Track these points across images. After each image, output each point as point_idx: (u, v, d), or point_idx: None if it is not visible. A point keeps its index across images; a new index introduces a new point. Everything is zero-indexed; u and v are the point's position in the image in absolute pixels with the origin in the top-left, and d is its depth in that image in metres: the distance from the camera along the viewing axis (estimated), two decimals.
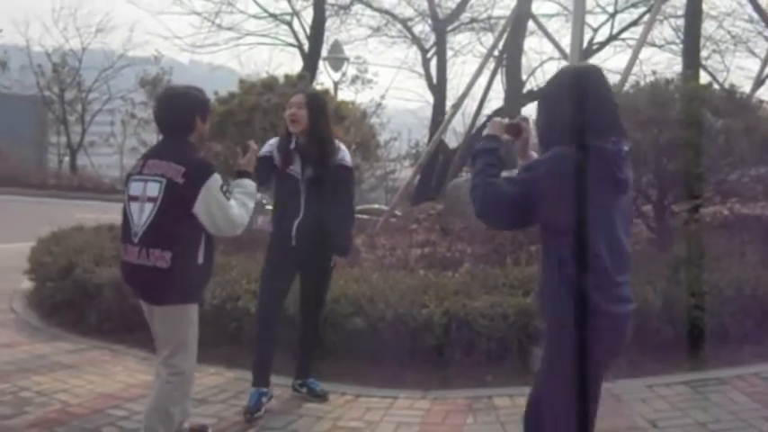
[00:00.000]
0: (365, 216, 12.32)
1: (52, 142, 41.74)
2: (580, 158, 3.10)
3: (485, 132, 3.63)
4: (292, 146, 5.42)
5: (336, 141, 5.57)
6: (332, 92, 17.62)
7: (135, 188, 4.29)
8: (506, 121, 3.64)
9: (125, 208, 4.34)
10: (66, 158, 39.53)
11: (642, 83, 9.29)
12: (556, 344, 3.26)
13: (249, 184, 4.55)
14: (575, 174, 3.08)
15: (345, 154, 5.56)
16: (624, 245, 3.24)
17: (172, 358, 4.33)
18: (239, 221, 4.33)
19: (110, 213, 13.75)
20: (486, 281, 6.82)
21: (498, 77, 15.94)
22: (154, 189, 4.19)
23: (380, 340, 6.10)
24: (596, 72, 3.36)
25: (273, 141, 5.55)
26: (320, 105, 5.58)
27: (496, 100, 20.56)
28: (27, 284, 9.51)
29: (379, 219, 11.17)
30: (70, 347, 7.23)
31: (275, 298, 5.48)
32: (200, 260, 4.26)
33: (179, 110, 4.38)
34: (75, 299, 8.00)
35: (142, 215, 4.19)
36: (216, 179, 4.22)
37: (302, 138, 5.41)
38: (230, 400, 5.62)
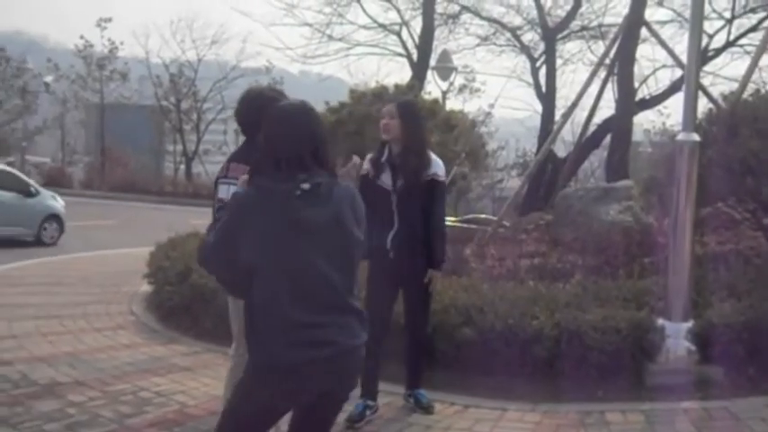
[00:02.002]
0: (472, 226, 12.27)
1: (169, 150, 43.21)
2: (249, 198, 3.02)
3: None
4: (384, 157, 5.41)
5: (429, 153, 5.51)
6: (440, 101, 17.67)
7: (222, 191, 4.34)
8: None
9: (214, 211, 4.41)
10: (182, 166, 40.85)
11: (763, 90, 8.96)
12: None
13: None
14: (241, 214, 3.00)
15: (439, 167, 5.49)
16: (324, 284, 3.01)
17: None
18: None
19: None
20: (599, 293, 6.70)
21: (609, 86, 15.58)
22: None
23: (490, 351, 6.06)
24: (280, 109, 3.21)
25: (369, 157, 5.54)
26: (413, 114, 5.55)
27: (607, 109, 20.12)
28: (146, 288, 9.87)
29: (486, 228, 11.10)
30: (186, 350, 7.47)
31: (380, 311, 5.43)
32: None
33: (251, 110, 4.43)
34: (192, 303, 8.25)
35: None
36: None
37: (395, 148, 5.40)
38: None
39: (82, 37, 40.26)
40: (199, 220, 16.10)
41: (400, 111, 5.40)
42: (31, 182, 18.70)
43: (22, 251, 14.80)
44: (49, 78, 41.03)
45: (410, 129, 5.38)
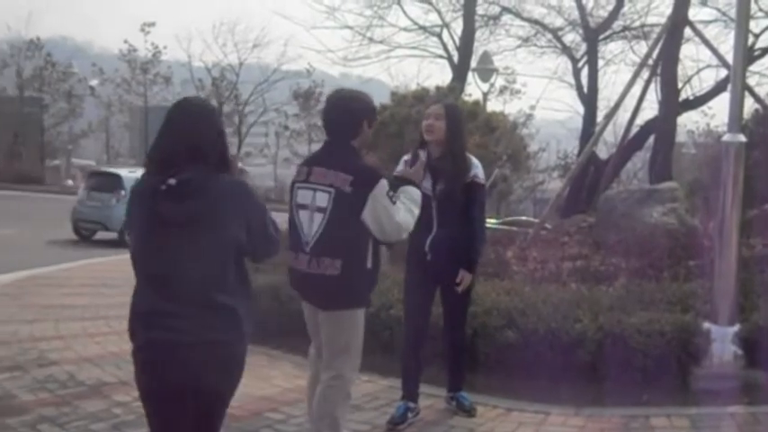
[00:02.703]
0: (513, 228, 12.21)
1: None
2: (132, 192, 3.29)
3: None
4: (423, 156, 5.31)
5: (469, 156, 5.45)
6: (481, 103, 17.63)
7: (303, 196, 4.34)
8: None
9: (292, 215, 4.40)
10: None
11: None
12: None
13: (414, 191, 4.51)
14: (128, 206, 3.28)
15: (479, 170, 5.42)
16: (182, 277, 3.07)
17: (334, 360, 4.38)
18: (405, 227, 4.31)
19: None
20: (643, 296, 6.64)
21: (652, 87, 15.41)
22: (323, 199, 4.24)
23: (532, 354, 6.03)
24: (171, 107, 3.32)
25: (406, 158, 5.39)
26: (458, 117, 5.50)
27: (650, 110, 19.89)
28: None
29: (527, 231, 11.05)
30: None
31: (418, 315, 5.47)
32: (369, 265, 4.30)
33: (350, 113, 4.40)
34: None
35: (312, 225, 4.25)
36: (383, 185, 4.23)
37: (436, 150, 5.32)
38: (383, 407, 5.69)
39: (126, 41, 40.84)
40: None
41: (447, 112, 5.34)
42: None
43: (66, 252, 15.07)
44: (94, 82, 41.67)
45: (454, 131, 5.32)
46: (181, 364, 3.06)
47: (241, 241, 3.14)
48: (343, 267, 4.19)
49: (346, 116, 4.40)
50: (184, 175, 3.04)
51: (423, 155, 4.74)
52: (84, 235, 18.11)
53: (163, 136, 3.19)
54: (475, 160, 5.48)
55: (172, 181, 3.03)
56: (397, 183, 4.53)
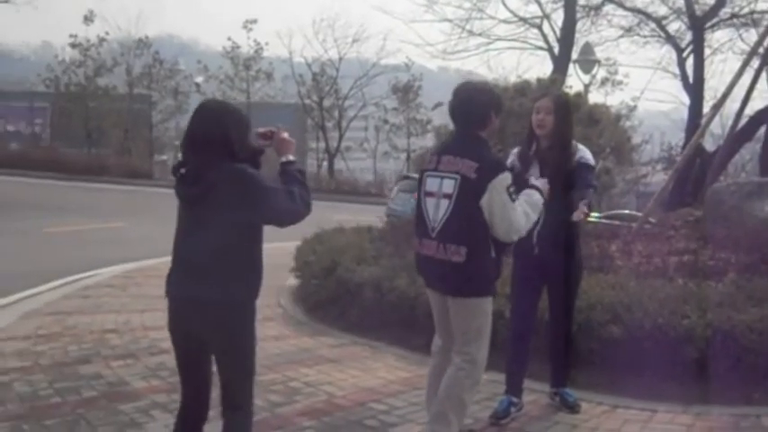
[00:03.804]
0: (616, 222, 12.00)
1: (311, 147, 44.08)
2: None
3: None
4: (532, 151, 5.36)
5: (575, 143, 5.44)
6: (583, 95, 17.36)
7: (431, 184, 4.44)
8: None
9: (420, 202, 4.52)
10: (325, 163, 41.66)
11: None
12: None
13: (538, 197, 4.57)
14: None
15: (586, 152, 5.43)
16: (191, 244, 3.73)
17: (466, 346, 4.45)
18: (516, 226, 4.33)
19: (366, 215, 14.37)
20: (753, 292, 6.41)
21: (763, 76, 14.89)
22: (449, 186, 4.33)
23: (638, 350, 5.91)
24: (197, 108, 3.84)
25: (516, 151, 5.51)
26: (568, 110, 5.51)
27: (760, 99, 19.28)
28: (293, 281, 10.17)
29: (631, 225, 10.83)
30: (333, 342, 7.65)
31: (526, 309, 5.46)
32: (493, 254, 4.36)
33: (478, 104, 4.46)
34: (338, 296, 8.45)
35: (438, 211, 4.36)
36: (505, 178, 4.28)
37: (545, 141, 5.33)
38: (484, 401, 5.65)
39: (229, 39, 41.64)
40: (341, 215, 16.46)
41: (556, 106, 5.33)
42: None
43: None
44: (199, 79, 42.67)
45: (564, 124, 5.33)
46: (182, 314, 3.81)
47: (238, 216, 3.65)
48: (468, 255, 4.25)
49: (474, 107, 4.47)
50: (190, 165, 3.72)
51: (546, 188, 4.71)
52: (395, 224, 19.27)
53: (185, 133, 3.84)
54: (581, 146, 5.48)
55: (183, 170, 3.74)
56: (519, 181, 4.54)
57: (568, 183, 5.25)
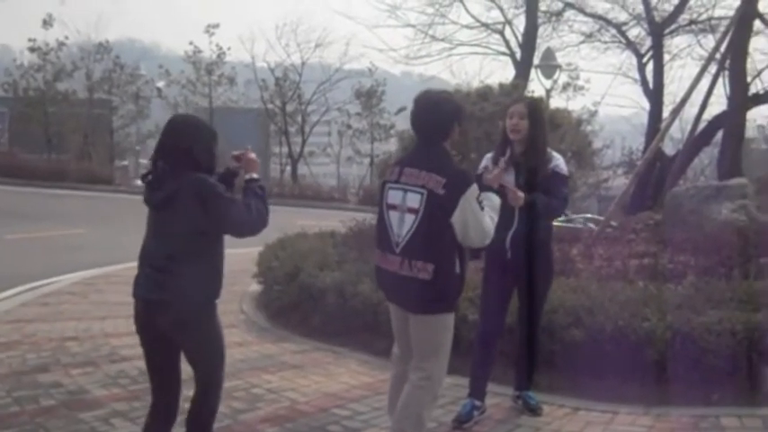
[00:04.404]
0: (578, 225, 12.11)
1: (275, 152, 43.92)
2: None
3: None
4: (506, 156, 5.33)
5: (550, 150, 5.48)
6: (545, 100, 17.51)
7: (394, 196, 4.36)
8: None
9: (381, 215, 4.44)
10: (288, 168, 41.53)
11: None
12: None
13: (495, 198, 4.55)
14: None
15: (560, 161, 5.46)
16: (152, 244, 4.09)
17: (424, 362, 4.39)
18: (488, 232, 4.31)
19: (329, 220, 14.33)
20: (712, 294, 6.50)
21: (720, 81, 15.09)
22: (415, 200, 4.25)
23: (599, 353, 5.97)
24: (168, 121, 4.22)
25: (490, 156, 5.51)
26: (540, 115, 5.53)
27: (718, 104, 19.51)
28: (255, 287, 10.11)
29: (592, 228, 10.93)
30: (295, 348, 7.62)
31: (496, 314, 5.46)
32: (458, 270, 4.30)
33: (441, 115, 4.39)
34: (300, 302, 8.42)
35: (403, 225, 4.28)
36: (474, 190, 4.25)
37: (519, 146, 5.35)
38: (448, 405, 5.67)
39: (191, 43, 41.40)
40: (305, 220, 16.42)
41: (530, 110, 5.35)
42: None
43: (135, 251, 15.25)
44: (160, 84, 42.33)
45: (537, 128, 5.35)
46: (146, 315, 4.10)
47: (197, 222, 3.92)
48: (435, 272, 4.19)
49: (437, 119, 4.39)
50: (155, 173, 4.04)
51: (502, 162, 4.73)
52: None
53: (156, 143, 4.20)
54: (556, 154, 5.52)
55: (149, 177, 4.07)
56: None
57: (542, 190, 5.28)
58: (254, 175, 4.24)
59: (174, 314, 3.97)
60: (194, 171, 3.96)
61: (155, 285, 4.00)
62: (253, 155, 4.32)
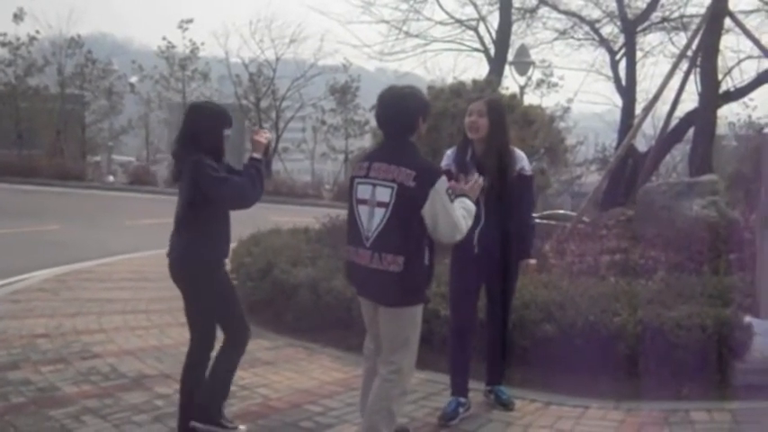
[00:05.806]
0: (551, 222, 12.14)
1: (248, 148, 43.70)
2: None
3: None
4: (468, 157, 5.35)
5: (513, 149, 5.46)
6: (518, 96, 17.55)
7: (363, 191, 4.36)
8: None
9: (352, 210, 4.44)
10: None
11: None
12: None
13: (471, 205, 4.52)
14: None
15: (525, 162, 5.45)
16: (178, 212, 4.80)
17: (392, 355, 4.39)
18: (460, 227, 4.31)
19: (303, 216, 14.34)
20: (682, 290, 6.58)
21: (692, 78, 15.20)
22: (384, 194, 4.26)
23: (571, 348, 6.01)
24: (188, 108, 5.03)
25: (450, 153, 5.49)
26: (501, 113, 5.46)
27: (689, 101, 19.60)
28: None
29: (565, 224, 10.98)
30: (268, 345, 7.59)
31: (466, 309, 5.46)
32: (426, 261, 4.33)
33: (406, 110, 4.39)
34: (273, 298, 8.39)
35: (372, 220, 4.29)
36: (443, 182, 4.26)
37: (479, 146, 5.34)
38: (421, 401, 5.71)
39: (164, 38, 41.22)
40: (279, 216, 16.37)
41: (489, 108, 5.32)
42: None
43: (107, 247, 15.25)
44: (133, 79, 42.10)
45: (497, 127, 5.32)
46: (170, 271, 4.90)
47: (195, 197, 4.64)
48: (405, 264, 4.20)
49: (402, 113, 4.40)
50: (176, 156, 4.83)
51: (481, 180, 4.72)
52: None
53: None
54: (520, 153, 5.50)
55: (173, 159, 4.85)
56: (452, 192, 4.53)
57: (509, 192, 5.29)
58: (256, 155, 4.84)
59: (177, 269, 4.82)
60: (197, 153, 4.63)
61: (169, 246, 4.86)
62: (260, 137, 4.91)
